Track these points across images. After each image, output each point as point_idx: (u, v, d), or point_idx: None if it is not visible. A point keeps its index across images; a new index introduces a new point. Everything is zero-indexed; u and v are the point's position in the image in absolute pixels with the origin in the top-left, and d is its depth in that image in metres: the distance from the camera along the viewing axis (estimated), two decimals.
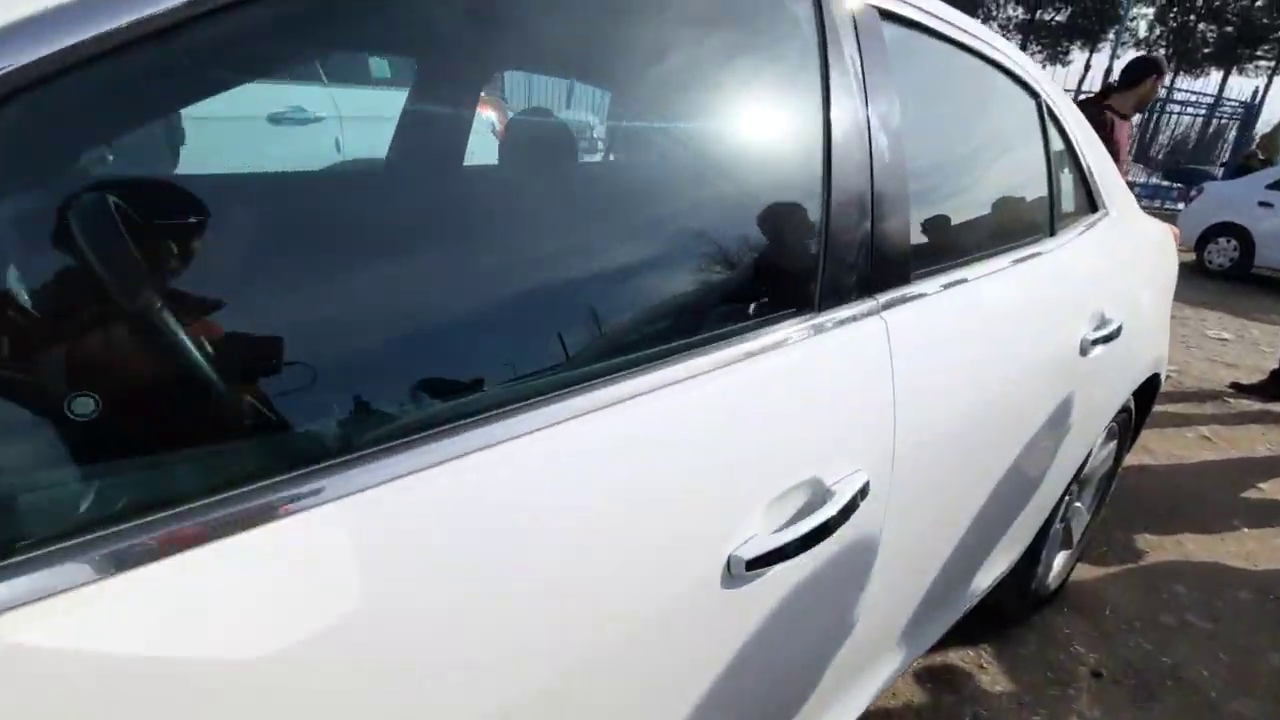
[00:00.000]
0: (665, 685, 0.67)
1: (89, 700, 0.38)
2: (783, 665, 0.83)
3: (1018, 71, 1.33)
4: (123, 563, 0.40)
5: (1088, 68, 25.66)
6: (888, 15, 0.96)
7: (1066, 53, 26.54)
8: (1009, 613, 1.73)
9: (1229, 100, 14.61)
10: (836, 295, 0.84)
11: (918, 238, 0.99)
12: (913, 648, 1.16)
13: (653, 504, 0.63)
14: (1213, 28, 25.26)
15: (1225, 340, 4.70)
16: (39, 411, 0.42)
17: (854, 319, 0.85)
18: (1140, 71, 3.01)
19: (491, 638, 0.53)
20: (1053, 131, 1.44)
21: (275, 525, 0.44)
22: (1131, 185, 3.60)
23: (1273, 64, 24.58)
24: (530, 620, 0.55)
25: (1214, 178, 10.09)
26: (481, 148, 1.37)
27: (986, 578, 1.38)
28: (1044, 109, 1.41)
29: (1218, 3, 24.29)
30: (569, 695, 0.58)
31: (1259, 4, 23.47)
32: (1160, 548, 2.17)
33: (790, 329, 0.78)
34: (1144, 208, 1.91)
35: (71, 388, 0.42)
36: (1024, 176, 1.41)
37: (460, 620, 0.51)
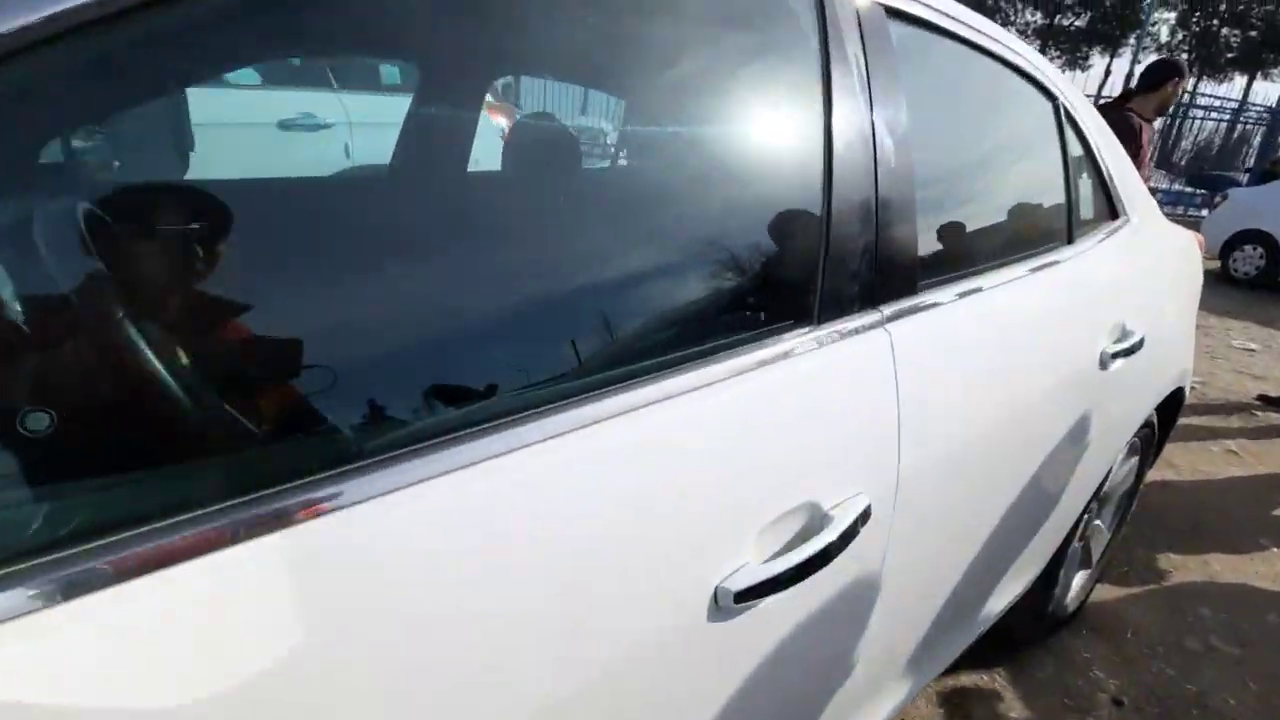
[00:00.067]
0: None
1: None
2: (780, 699, 0.78)
3: (1034, 73, 1.28)
4: (117, 575, 0.38)
5: (1108, 73, 25.43)
6: (894, 13, 0.91)
7: (1086, 58, 26.26)
8: (1024, 635, 1.66)
9: (1254, 105, 14.38)
10: (837, 306, 0.79)
11: (927, 246, 0.94)
12: (918, 678, 1.10)
13: (628, 540, 0.58)
14: (1236, 32, 24.88)
15: (1252, 351, 4.58)
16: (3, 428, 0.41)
17: (856, 331, 0.80)
18: (1161, 74, 2.97)
19: (474, 655, 0.50)
20: (1071, 135, 1.38)
21: (297, 529, 0.44)
22: (1154, 191, 3.53)
23: None
24: (504, 647, 0.52)
25: (1238, 184, 10.01)
26: (490, 153, 1.36)
27: (999, 602, 1.31)
28: (1061, 112, 1.36)
29: (1241, 7, 23.94)
30: None
31: None
32: (1184, 567, 2.09)
33: (786, 343, 0.73)
34: (1167, 214, 1.85)
35: (48, 399, 0.40)
36: (1040, 182, 1.35)
37: (442, 635, 0.49)
